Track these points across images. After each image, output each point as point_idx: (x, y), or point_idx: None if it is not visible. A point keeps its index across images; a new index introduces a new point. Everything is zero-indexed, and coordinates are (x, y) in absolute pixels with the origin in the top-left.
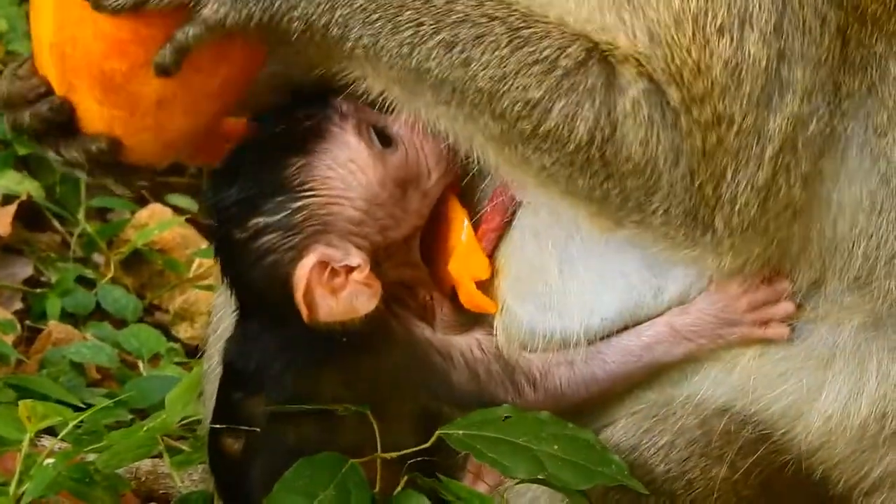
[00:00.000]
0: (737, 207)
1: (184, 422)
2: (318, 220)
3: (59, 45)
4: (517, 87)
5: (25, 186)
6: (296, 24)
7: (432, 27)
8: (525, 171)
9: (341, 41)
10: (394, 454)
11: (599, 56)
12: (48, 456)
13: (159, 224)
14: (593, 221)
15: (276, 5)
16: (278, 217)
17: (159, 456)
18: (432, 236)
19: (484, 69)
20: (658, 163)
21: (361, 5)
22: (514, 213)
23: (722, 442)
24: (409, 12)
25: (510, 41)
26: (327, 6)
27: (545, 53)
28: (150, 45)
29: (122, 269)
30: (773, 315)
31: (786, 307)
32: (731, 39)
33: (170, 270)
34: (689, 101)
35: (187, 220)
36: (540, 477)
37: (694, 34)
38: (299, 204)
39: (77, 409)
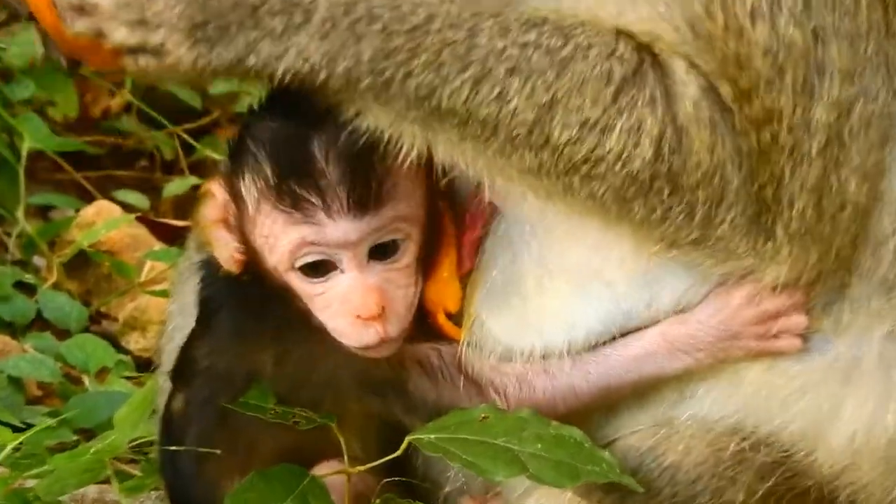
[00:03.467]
0: (795, 211)
1: (134, 443)
2: None
3: None
4: (570, 110)
5: None
6: (282, 74)
7: (456, 67)
8: (567, 203)
9: (343, 91)
10: (360, 468)
11: (649, 55)
12: None
13: (106, 223)
14: (639, 247)
15: (254, 53)
16: None
17: (107, 481)
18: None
19: (527, 99)
20: (726, 168)
21: (368, 56)
22: (491, 220)
23: (734, 463)
24: (425, 55)
25: (552, 64)
26: (324, 60)
27: (596, 68)
28: None
29: (65, 272)
30: (784, 329)
31: (798, 320)
32: (765, 23)
33: (118, 274)
34: (739, 96)
35: (137, 219)
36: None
37: (727, 23)
38: None
39: (15, 429)
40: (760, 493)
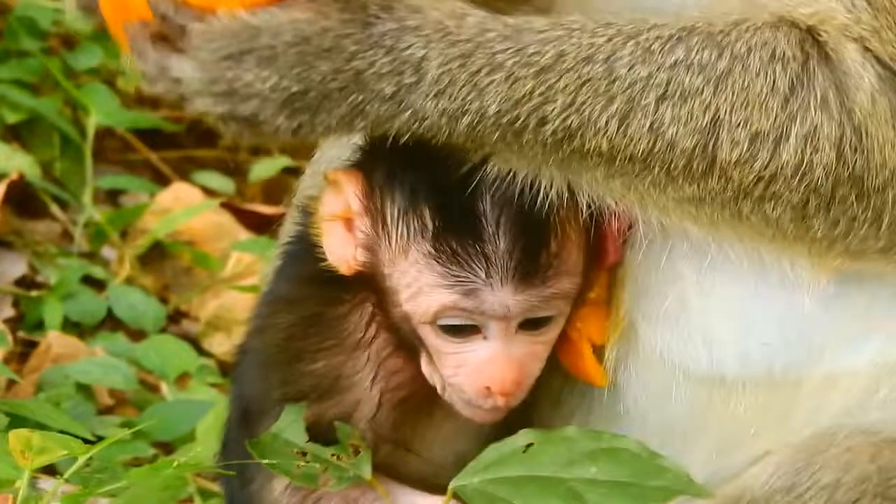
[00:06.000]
0: None
1: None
2: None
3: None
4: (734, 128)
5: (16, 162)
6: (396, 134)
7: (598, 106)
8: (735, 230)
9: (468, 143)
10: None
11: (815, 47)
12: (50, 501)
13: (186, 210)
14: (818, 264)
15: (361, 117)
16: None
17: (190, 500)
18: None
19: (684, 126)
20: None
21: (494, 110)
22: None
23: None
24: (561, 98)
25: (707, 81)
26: (444, 119)
27: (759, 76)
28: None
29: (139, 266)
30: None
31: None
32: None
33: (200, 268)
34: None
35: (221, 205)
36: None
37: None
38: None
39: (85, 441)
40: None
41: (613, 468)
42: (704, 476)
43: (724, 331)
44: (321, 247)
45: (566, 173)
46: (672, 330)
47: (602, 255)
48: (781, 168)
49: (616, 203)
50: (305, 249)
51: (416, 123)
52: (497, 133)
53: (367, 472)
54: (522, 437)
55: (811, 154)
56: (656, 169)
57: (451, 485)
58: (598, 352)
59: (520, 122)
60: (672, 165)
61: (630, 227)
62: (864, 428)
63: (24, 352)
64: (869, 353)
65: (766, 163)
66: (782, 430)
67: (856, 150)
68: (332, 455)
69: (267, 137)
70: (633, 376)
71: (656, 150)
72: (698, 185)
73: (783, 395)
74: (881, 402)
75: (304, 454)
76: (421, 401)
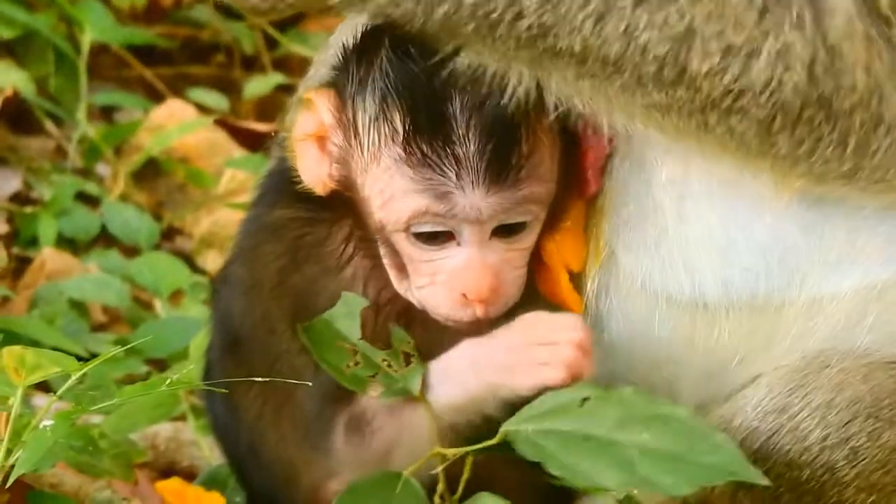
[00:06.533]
0: None
1: None
2: None
3: None
4: (707, 39)
5: (10, 78)
6: (372, 18)
7: (576, 3)
8: (700, 141)
9: (441, 33)
10: (454, 451)
11: None
12: (43, 418)
13: (180, 126)
14: (784, 183)
15: None
16: None
17: (182, 418)
18: None
19: (657, 31)
20: (884, 88)
21: (471, 2)
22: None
23: (893, 402)
24: None
25: None
26: (420, 6)
27: None
28: None
29: (133, 182)
30: None
31: None
32: None
33: (193, 185)
34: None
35: (215, 122)
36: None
37: None
38: None
39: (79, 359)
40: None
41: (665, 437)
42: (696, 402)
43: (704, 258)
44: (297, 170)
45: (536, 71)
46: (653, 258)
47: (582, 184)
48: (751, 83)
49: (583, 105)
50: (285, 175)
51: (392, 7)
52: (472, 24)
53: (416, 386)
54: (580, 389)
55: (782, 72)
56: (627, 73)
57: (504, 427)
58: (576, 280)
59: (496, 14)
60: (643, 71)
61: (609, 157)
62: (854, 352)
63: (18, 268)
64: (854, 279)
65: (736, 77)
66: (769, 355)
67: (827, 71)
68: (384, 360)
69: (247, 10)
70: (616, 306)
71: (628, 53)
72: (667, 93)
73: (768, 321)
74: (870, 327)
75: (356, 352)
76: (415, 313)
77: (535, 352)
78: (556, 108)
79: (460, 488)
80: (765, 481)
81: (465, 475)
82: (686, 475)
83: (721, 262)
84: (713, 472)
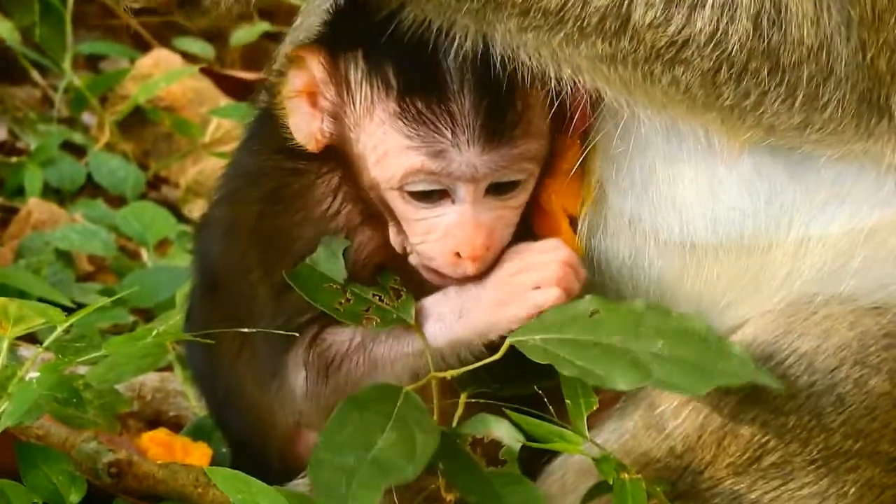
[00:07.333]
0: None
1: None
2: None
3: None
4: None
5: None
6: None
7: None
8: (647, 92)
9: None
10: (452, 373)
11: None
12: (29, 369)
13: (166, 75)
14: (732, 134)
15: None
16: None
17: (169, 368)
18: None
19: None
20: (833, 41)
21: None
22: None
23: (880, 348)
24: None
25: None
26: None
27: None
28: None
29: (119, 132)
30: None
31: None
32: None
33: (179, 134)
34: None
35: (201, 71)
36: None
37: None
38: None
39: (65, 309)
40: None
41: (680, 347)
42: None
43: (692, 197)
44: (286, 125)
45: (480, 24)
46: (641, 197)
47: (570, 121)
48: (695, 35)
49: (530, 59)
50: (269, 123)
51: None
52: None
53: (410, 315)
54: (587, 303)
55: (727, 24)
56: (569, 24)
57: (510, 339)
58: (574, 223)
59: None
60: (585, 22)
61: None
62: (841, 296)
63: (3, 218)
64: (841, 221)
65: (679, 28)
66: (757, 298)
67: (773, 23)
68: (374, 296)
69: None
70: (606, 244)
71: (570, 4)
72: (610, 44)
73: (755, 261)
74: (856, 271)
75: (346, 290)
76: (398, 269)
77: (523, 278)
78: (505, 60)
79: (459, 410)
80: (778, 385)
81: (464, 398)
82: (702, 377)
83: (709, 201)
84: (727, 376)
